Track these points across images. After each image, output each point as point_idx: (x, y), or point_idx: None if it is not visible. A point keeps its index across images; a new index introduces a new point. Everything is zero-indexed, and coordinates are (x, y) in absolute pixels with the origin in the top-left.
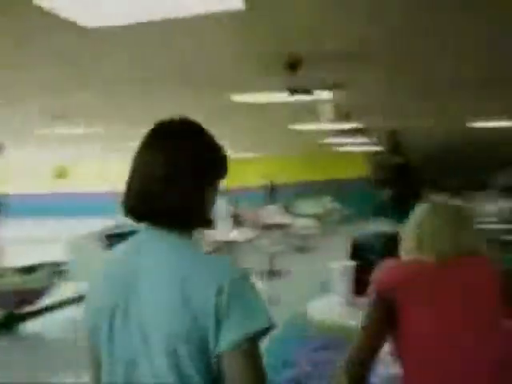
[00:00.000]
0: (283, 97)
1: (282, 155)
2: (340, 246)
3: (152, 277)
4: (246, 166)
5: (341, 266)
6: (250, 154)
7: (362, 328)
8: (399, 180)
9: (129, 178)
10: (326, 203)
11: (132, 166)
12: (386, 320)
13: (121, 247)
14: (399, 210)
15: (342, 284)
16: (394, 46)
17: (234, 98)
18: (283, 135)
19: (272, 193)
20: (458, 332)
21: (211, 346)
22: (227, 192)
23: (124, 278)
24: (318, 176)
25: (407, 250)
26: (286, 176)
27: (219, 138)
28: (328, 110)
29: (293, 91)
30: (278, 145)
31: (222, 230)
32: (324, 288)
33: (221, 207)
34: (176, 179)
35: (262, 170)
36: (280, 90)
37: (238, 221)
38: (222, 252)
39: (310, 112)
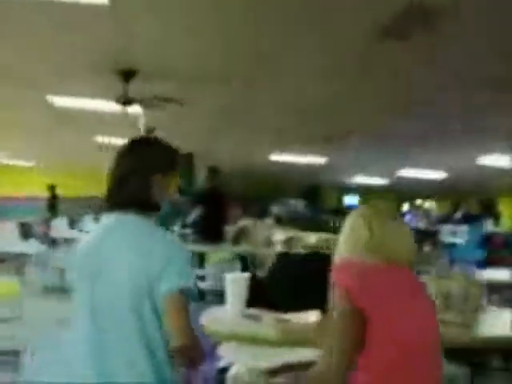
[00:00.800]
0: (111, 106)
1: (65, 166)
2: None
3: (121, 248)
4: (25, 176)
5: (234, 277)
6: (33, 163)
7: (341, 347)
8: (210, 201)
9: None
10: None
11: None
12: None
13: (96, 228)
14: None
15: (234, 295)
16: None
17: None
18: (76, 146)
19: (54, 205)
20: (422, 337)
21: (157, 290)
22: (11, 200)
23: (100, 248)
24: (100, 191)
25: (352, 252)
26: (72, 188)
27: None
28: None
29: (126, 102)
30: (62, 155)
31: (10, 241)
32: None
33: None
34: (132, 176)
35: (47, 180)
36: (108, 98)
37: (25, 232)
38: (8, 264)
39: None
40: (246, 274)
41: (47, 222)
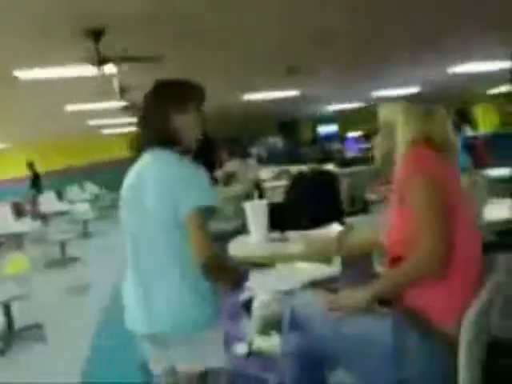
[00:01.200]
0: (83, 70)
1: (42, 141)
2: (117, 230)
3: (150, 181)
4: (4, 157)
5: (253, 204)
6: (7, 144)
7: (440, 230)
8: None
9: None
10: (92, 189)
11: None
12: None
13: (136, 166)
14: None
15: (256, 221)
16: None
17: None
18: (49, 119)
19: (37, 181)
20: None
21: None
22: None
23: (135, 182)
24: (84, 160)
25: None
26: (50, 162)
27: None
28: (116, 87)
29: (100, 62)
30: (38, 130)
31: (7, 222)
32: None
33: None
34: (152, 116)
35: (22, 159)
36: (76, 62)
37: (17, 211)
38: (8, 246)
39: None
40: (265, 200)
41: (34, 199)
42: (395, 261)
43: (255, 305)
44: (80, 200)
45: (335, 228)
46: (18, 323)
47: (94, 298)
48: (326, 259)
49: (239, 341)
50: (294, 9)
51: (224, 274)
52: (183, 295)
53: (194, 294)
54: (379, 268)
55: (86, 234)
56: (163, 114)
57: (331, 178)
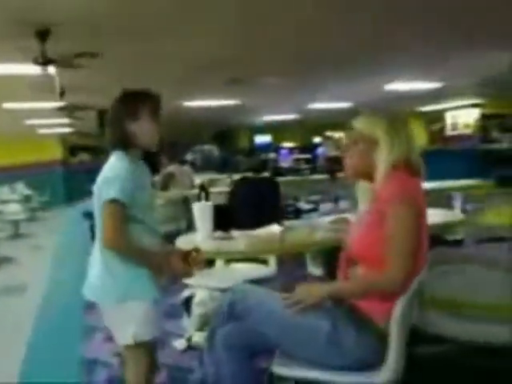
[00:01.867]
0: (25, 68)
1: None
2: (47, 232)
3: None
4: None
5: (200, 205)
6: None
7: (410, 238)
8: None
9: None
10: (22, 190)
11: None
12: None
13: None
14: None
15: (202, 220)
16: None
17: None
18: None
19: None
20: None
21: None
22: None
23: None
24: (13, 160)
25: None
26: None
27: None
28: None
29: (44, 62)
30: None
31: None
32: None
33: None
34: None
35: None
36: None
37: None
38: None
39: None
40: (211, 202)
41: None
42: (351, 263)
43: (194, 302)
44: (11, 200)
45: (275, 228)
46: None
47: (29, 298)
48: (262, 260)
49: (178, 337)
50: (238, 21)
51: (131, 257)
52: (100, 270)
53: (105, 269)
54: (312, 269)
55: (17, 235)
56: (118, 121)
57: (273, 184)
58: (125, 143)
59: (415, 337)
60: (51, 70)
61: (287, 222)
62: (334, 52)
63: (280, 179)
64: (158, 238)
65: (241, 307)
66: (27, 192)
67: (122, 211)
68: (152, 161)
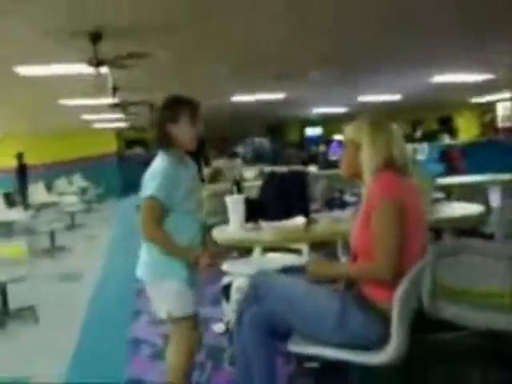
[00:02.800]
0: (80, 68)
1: (34, 133)
2: (102, 222)
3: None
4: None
5: (232, 198)
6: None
7: (392, 233)
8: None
9: None
10: (79, 182)
11: None
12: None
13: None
14: None
15: (235, 212)
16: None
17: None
18: (43, 112)
19: (24, 172)
20: None
21: None
22: None
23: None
24: (71, 154)
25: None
26: (38, 155)
27: None
28: (110, 84)
29: (97, 63)
30: (30, 122)
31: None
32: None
33: None
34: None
35: (12, 150)
36: (76, 62)
37: (9, 201)
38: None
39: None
40: (242, 195)
41: (23, 190)
42: (356, 258)
43: (233, 289)
44: (68, 192)
45: (299, 220)
46: (13, 304)
47: (84, 285)
48: (296, 250)
49: (218, 322)
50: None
51: (164, 248)
52: (144, 254)
53: (147, 253)
54: (342, 257)
55: (73, 226)
56: (160, 124)
57: (301, 177)
58: (166, 144)
59: (428, 324)
60: (103, 70)
61: (315, 214)
62: (383, 45)
63: (328, 172)
64: (203, 228)
65: (263, 290)
66: (84, 184)
67: (158, 207)
68: (198, 157)
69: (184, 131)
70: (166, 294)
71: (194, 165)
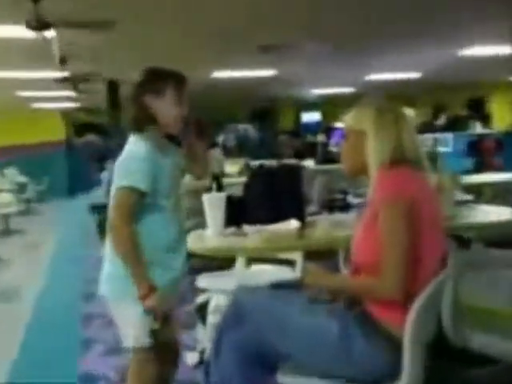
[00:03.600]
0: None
1: None
2: (45, 227)
3: None
4: None
5: (211, 197)
6: None
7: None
8: None
9: None
10: (15, 176)
11: None
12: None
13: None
14: None
15: (213, 214)
16: None
17: None
18: None
19: None
20: None
21: None
22: None
23: None
24: (3, 141)
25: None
26: None
27: None
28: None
29: (39, 26)
30: None
31: None
32: None
33: None
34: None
35: None
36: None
37: None
38: None
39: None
40: (223, 194)
41: None
42: (358, 271)
43: (210, 309)
44: (0, 189)
45: (293, 224)
46: None
47: (20, 306)
48: (288, 261)
49: (191, 350)
50: None
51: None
52: (108, 265)
53: (112, 265)
54: (344, 270)
55: (7, 231)
56: (138, 96)
57: (294, 173)
58: (145, 123)
59: (452, 350)
60: (48, 34)
61: (311, 217)
62: (396, 12)
63: (328, 167)
64: (184, 231)
65: (246, 309)
66: (20, 179)
67: (134, 200)
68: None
69: (168, 108)
70: (134, 316)
71: (176, 150)
